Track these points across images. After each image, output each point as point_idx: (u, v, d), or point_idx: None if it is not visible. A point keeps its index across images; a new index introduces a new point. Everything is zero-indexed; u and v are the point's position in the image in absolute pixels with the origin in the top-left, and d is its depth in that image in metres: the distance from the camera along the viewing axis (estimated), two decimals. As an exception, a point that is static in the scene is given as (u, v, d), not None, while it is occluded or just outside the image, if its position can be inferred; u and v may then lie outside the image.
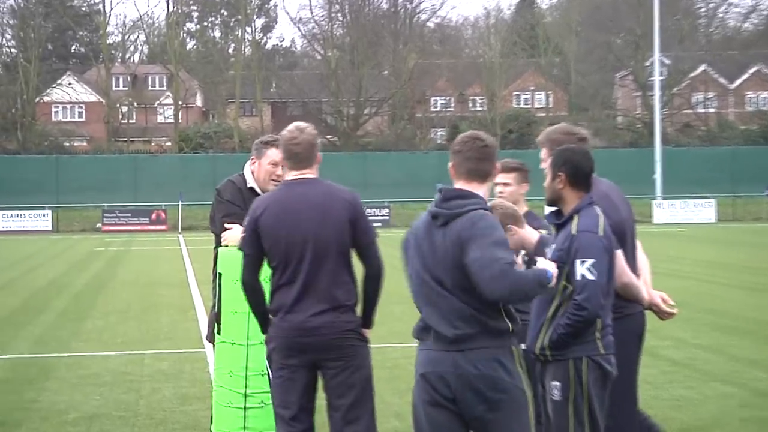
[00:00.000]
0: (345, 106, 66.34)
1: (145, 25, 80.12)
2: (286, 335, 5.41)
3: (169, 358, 11.70)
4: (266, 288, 5.56)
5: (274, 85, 73.96)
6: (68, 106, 75.77)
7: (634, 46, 68.39)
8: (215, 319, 6.29)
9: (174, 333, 13.80)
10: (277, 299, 5.46)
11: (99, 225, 47.10)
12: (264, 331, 5.57)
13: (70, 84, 73.45)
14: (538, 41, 72.78)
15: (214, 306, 6.40)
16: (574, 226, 5.03)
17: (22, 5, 69.95)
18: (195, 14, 79.44)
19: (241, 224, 6.33)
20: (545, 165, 5.33)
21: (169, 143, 69.29)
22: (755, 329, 13.37)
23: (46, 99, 70.82)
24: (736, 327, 13.56)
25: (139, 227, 46.57)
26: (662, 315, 5.67)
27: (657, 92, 54.56)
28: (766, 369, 10.59)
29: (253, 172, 6.62)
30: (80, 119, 76.56)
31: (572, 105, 70.56)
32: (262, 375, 5.99)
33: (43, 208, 48.23)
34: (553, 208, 5.22)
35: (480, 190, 4.80)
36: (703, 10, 75.04)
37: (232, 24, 78.34)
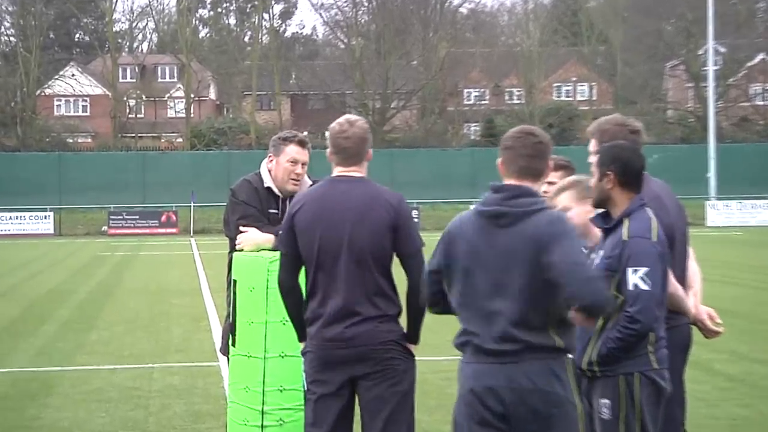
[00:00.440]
0: (370, 99, 66.45)
1: (154, 12, 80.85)
2: (321, 346, 5.39)
3: (180, 372, 11.72)
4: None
5: (293, 76, 74.19)
6: (71, 99, 76.31)
7: (685, 33, 68.15)
8: (230, 330, 6.30)
9: (186, 345, 13.84)
10: (311, 307, 5.45)
11: (105, 228, 47.37)
12: (301, 339, 5.56)
13: (73, 75, 73.96)
14: (580, 28, 72.70)
15: (228, 316, 6.41)
16: (625, 231, 4.99)
17: (22, -10, 70.56)
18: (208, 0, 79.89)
19: (257, 227, 6.35)
20: (594, 159, 5.30)
21: (180, 139, 69.62)
22: (820, 342, 13.27)
23: (47, 92, 71.32)
24: (799, 340, 13.47)
25: (147, 230, 46.80)
26: (707, 333, 5.64)
27: (711, 83, 54.31)
28: (833, 386, 10.51)
29: (270, 171, 6.61)
30: (84, 113, 77.07)
31: (618, 98, 70.35)
32: (281, 390, 5.98)
33: (45, 210, 48.49)
34: (601, 210, 5.17)
35: None
36: (761, -7, 74.80)
37: (248, 10, 78.79)
